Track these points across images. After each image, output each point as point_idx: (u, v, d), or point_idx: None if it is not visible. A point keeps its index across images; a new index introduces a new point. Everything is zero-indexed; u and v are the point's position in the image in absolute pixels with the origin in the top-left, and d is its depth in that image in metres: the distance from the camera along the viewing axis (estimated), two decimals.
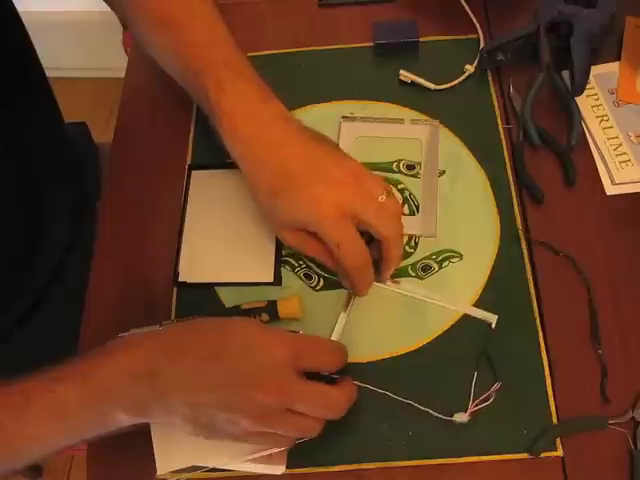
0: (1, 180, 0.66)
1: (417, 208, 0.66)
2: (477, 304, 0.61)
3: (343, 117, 0.71)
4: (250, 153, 0.58)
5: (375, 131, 0.70)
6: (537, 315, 0.60)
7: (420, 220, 0.65)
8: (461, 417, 0.55)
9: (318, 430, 0.51)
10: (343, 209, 0.54)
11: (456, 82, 0.72)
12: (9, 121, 0.66)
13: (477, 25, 0.76)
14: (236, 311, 0.60)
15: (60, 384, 0.48)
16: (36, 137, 0.73)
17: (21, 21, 0.70)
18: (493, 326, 0.59)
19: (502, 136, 0.69)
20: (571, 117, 0.68)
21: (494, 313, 0.60)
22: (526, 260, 0.62)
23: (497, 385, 0.55)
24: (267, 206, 0.58)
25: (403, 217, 0.63)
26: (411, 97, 0.72)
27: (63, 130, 0.83)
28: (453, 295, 0.61)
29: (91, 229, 0.74)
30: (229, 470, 0.55)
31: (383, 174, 0.68)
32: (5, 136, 0.65)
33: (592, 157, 0.67)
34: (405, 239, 0.64)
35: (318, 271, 0.63)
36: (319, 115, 0.72)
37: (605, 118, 0.69)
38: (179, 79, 0.65)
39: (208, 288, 0.63)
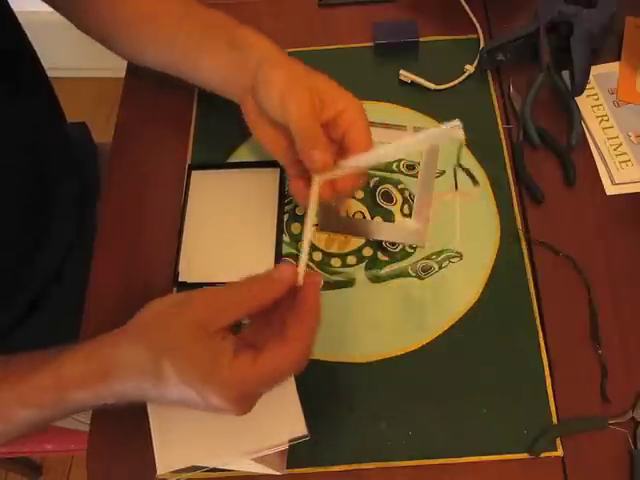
0: (5, 180, 0.66)
1: None
2: (477, 304, 0.61)
3: None
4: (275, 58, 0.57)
5: (377, 136, 0.70)
6: (537, 315, 0.60)
7: (412, 229, 0.65)
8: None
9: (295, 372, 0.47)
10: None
11: (456, 82, 0.72)
12: (12, 121, 0.66)
13: (477, 25, 0.76)
14: None
15: (35, 374, 0.48)
16: (39, 137, 0.73)
17: (18, 22, 0.70)
18: (460, 127, 0.53)
19: (502, 136, 0.69)
20: (571, 117, 0.68)
21: (494, 313, 0.60)
22: (526, 260, 0.62)
23: None
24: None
25: (395, 224, 0.65)
26: (411, 97, 0.72)
27: (66, 130, 0.83)
28: (453, 295, 0.61)
29: (91, 229, 0.74)
30: (229, 470, 0.55)
31: (383, 174, 0.68)
32: (8, 136, 0.66)
33: (592, 157, 0.67)
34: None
35: (318, 271, 0.63)
36: None
37: (605, 118, 0.69)
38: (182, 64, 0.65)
39: None
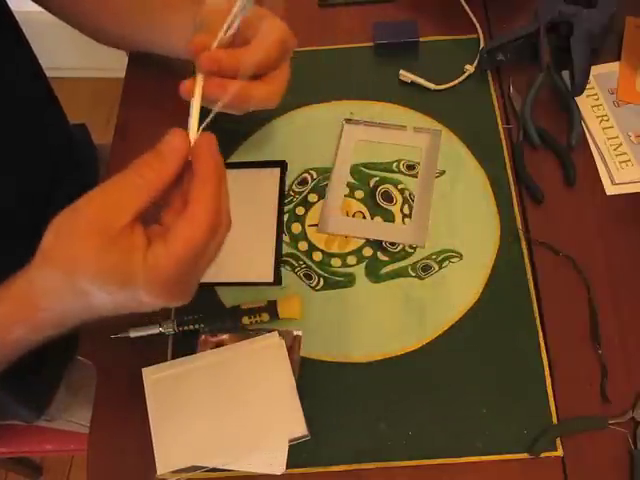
0: (4, 180, 0.66)
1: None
2: (477, 304, 0.61)
3: (346, 119, 0.71)
4: None
5: (377, 136, 0.70)
6: (537, 315, 0.60)
7: (411, 229, 0.65)
8: None
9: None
10: None
11: (456, 82, 0.72)
12: (11, 124, 0.66)
13: (477, 25, 0.76)
14: (236, 311, 0.60)
15: None
16: (40, 139, 0.73)
17: (18, 25, 0.70)
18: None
19: (502, 136, 0.69)
20: (571, 117, 0.68)
21: (494, 313, 0.60)
22: (526, 260, 0.62)
23: None
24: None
25: (395, 224, 0.65)
26: (411, 97, 0.72)
27: (69, 131, 0.82)
28: (453, 295, 0.61)
29: None
30: (229, 470, 0.55)
31: (383, 174, 0.68)
32: (7, 138, 0.65)
33: (592, 157, 0.67)
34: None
35: (318, 271, 0.63)
36: (319, 115, 0.72)
37: (605, 118, 0.69)
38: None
39: (208, 288, 0.63)
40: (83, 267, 0.40)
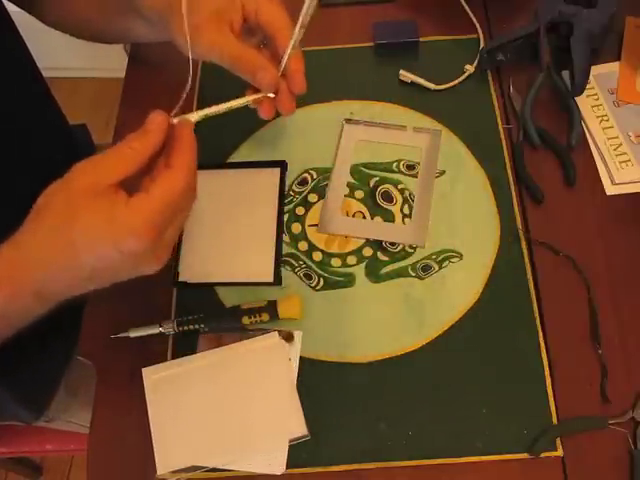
0: (3, 181, 0.66)
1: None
2: (477, 304, 0.61)
3: (346, 119, 0.71)
4: None
5: (377, 136, 0.70)
6: (537, 315, 0.60)
7: (411, 229, 0.65)
8: None
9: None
10: None
11: (456, 82, 0.72)
12: (8, 124, 0.66)
13: (477, 25, 0.76)
14: (236, 311, 0.60)
15: None
16: (38, 139, 0.73)
17: (14, 25, 0.70)
18: None
19: (502, 136, 0.69)
20: (571, 117, 0.68)
21: (494, 313, 0.60)
22: (526, 260, 0.62)
23: None
24: (192, 8, 0.55)
25: (395, 224, 0.65)
26: (411, 97, 0.72)
27: (68, 132, 0.82)
28: (453, 295, 0.61)
29: None
30: (229, 470, 0.55)
31: (383, 174, 0.68)
32: (4, 138, 0.65)
33: (592, 157, 0.67)
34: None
35: (318, 271, 0.63)
36: (319, 115, 0.72)
37: (605, 118, 0.69)
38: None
39: (208, 288, 0.63)
40: (71, 218, 0.44)
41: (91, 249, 0.44)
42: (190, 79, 0.51)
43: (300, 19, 0.52)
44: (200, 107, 0.72)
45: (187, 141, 0.47)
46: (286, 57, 0.54)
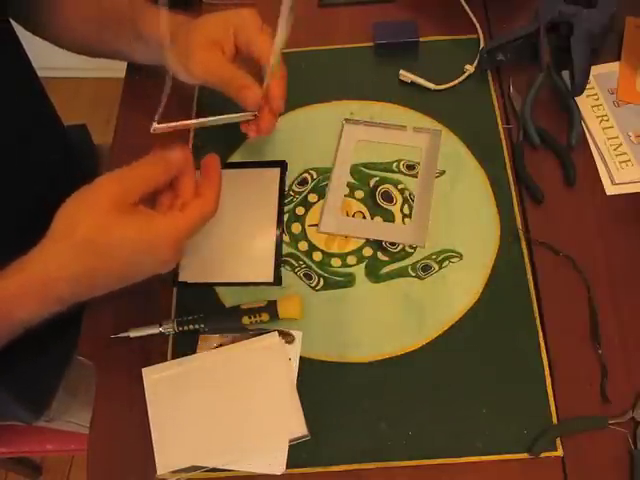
0: (2, 181, 0.66)
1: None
2: (477, 304, 0.61)
3: (346, 119, 0.71)
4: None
5: (377, 136, 0.70)
6: (537, 315, 0.60)
7: (411, 229, 0.65)
8: None
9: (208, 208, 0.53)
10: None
11: (456, 82, 0.72)
12: (6, 126, 0.66)
13: (477, 25, 0.76)
14: (236, 311, 0.60)
15: None
16: (34, 141, 0.73)
17: (10, 25, 0.70)
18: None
19: (502, 136, 0.69)
20: (571, 117, 0.68)
21: (494, 313, 0.60)
22: (526, 260, 0.62)
23: None
24: (184, 31, 0.61)
25: (395, 224, 0.65)
26: (411, 97, 0.72)
27: (62, 134, 0.82)
28: (453, 295, 0.61)
29: None
30: (229, 470, 0.55)
31: (383, 174, 0.68)
32: (2, 141, 0.65)
33: (592, 157, 0.67)
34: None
35: (318, 271, 0.63)
36: (319, 115, 0.72)
37: (605, 118, 0.69)
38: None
39: (208, 288, 0.63)
40: (104, 231, 0.48)
41: (126, 259, 0.49)
42: (169, 85, 0.57)
43: (275, 44, 0.55)
44: (199, 111, 0.73)
45: (216, 175, 0.54)
46: (267, 78, 0.57)
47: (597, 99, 0.71)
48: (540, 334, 0.59)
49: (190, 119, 0.59)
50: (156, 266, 0.51)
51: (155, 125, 0.56)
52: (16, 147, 0.68)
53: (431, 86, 0.72)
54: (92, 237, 0.48)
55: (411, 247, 0.64)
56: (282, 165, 0.68)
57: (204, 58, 0.60)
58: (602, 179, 0.66)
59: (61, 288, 0.49)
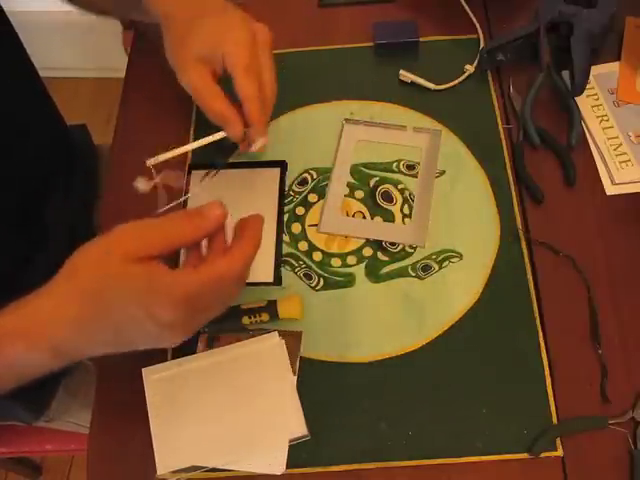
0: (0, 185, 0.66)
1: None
2: (477, 304, 0.61)
3: (346, 119, 0.71)
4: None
5: (377, 136, 0.70)
6: (537, 315, 0.60)
7: (411, 229, 0.65)
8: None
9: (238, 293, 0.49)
10: (255, 39, 0.59)
11: (456, 82, 0.72)
12: (4, 123, 0.66)
13: (477, 25, 0.76)
14: (236, 311, 0.60)
15: None
16: (35, 140, 0.73)
17: (12, 27, 0.70)
18: None
19: (502, 136, 0.69)
20: (571, 117, 0.68)
21: (494, 313, 0.60)
22: (526, 260, 0.62)
23: None
24: (182, 33, 0.60)
25: (395, 224, 0.65)
26: (411, 97, 0.72)
27: (64, 134, 0.82)
28: (453, 295, 0.61)
29: (91, 231, 0.74)
30: (229, 470, 0.55)
31: (383, 174, 0.68)
32: (3, 141, 0.65)
33: (592, 157, 0.67)
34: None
35: (318, 271, 0.63)
36: (319, 115, 0.72)
37: (605, 118, 0.69)
38: None
39: None
40: (108, 280, 0.44)
41: (124, 312, 0.44)
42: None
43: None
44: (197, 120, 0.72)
45: (255, 237, 0.48)
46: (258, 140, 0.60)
47: (597, 99, 0.71)
48: (540, 334, 0.59)
49: (183, 145, 0.60)
50: (154, 328, 0.45)
51: (150, 160, 0.57)
52: (17, 145, 0.68)
53: (431, 86, 0.72)
54: (94, 283, 0.44)
55: (411, 247, 0.64)
56: (282, 165, 0.68)
57: (194, 81, 0.59)
58: (602, 179, 0.66)
59: (53, 332, 0.46)
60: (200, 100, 0.60)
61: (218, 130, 0.60)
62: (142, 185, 0.56)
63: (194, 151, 0.70)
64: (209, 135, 0.60)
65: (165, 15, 0.61)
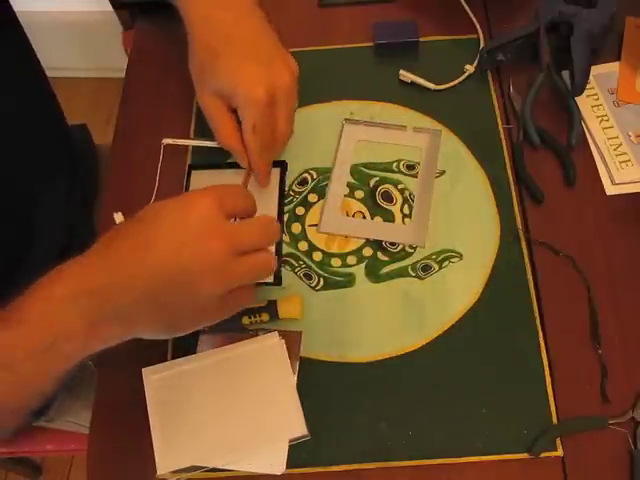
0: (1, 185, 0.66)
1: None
2: (477, 304, 0.61)
3: (346, 119, 0.71)
4: (203, 7, 0.61)
5: (377, 136, 0.70)
6: (537, 315, 0.60)
7: (411, 229, 0.65)
8: None
9: (272, 262, 0.50)
10: (273, 97, 0.59)
11: (456, 82, 0.72)
12: (8, 122, 0.66)
13: (477, 25, 0.76)
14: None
15: None
16: (37, 137, 0.73)
17: (21, 26, 0.70)
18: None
19: (502, 136, 0.69)
20: (571, 117, 0.68)
21: (494, 313, 0.60)
22: (526, 260, 0.62)
23: None
24: (202, 62, 0.60)
25: (395, 224, 0.65)
26: (411, 97, 0.72)
27: (66, 133, 0.82)
28: (453, 295, 0.61)
29: (89, 230, 0.74)
30: (229, 470, 0.55)
31: (383, 174, 0.68)
32: (3, 136, 0.65)
33: (592, 157, 0.67)
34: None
35: (318, 271, 0.63)
36: (319, 115, 0.72)
37: (605, 118, 0.69)
38: None
39: None
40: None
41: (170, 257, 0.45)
42: None
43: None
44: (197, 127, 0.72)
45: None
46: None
47: (597, 99, 0.71)
48: (540, 334, 0.59)
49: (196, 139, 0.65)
50: (196, 294, 0.46)
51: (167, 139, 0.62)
52: (19, 144, 0.68)
53: (431, 86, 0.72)
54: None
55: (411, 247, 0.64)
56: (282, 165, 0.68)
57: (209, 105, 0.61)
58: (602, 179, 0.66)
59: (84, 302, 0.45)
60: (213, 129, 0.62)
61: None
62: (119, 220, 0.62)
63: (194, 151, 0.71)
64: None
65: (192, 26, 0.62)
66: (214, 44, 0.60)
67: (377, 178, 0.68)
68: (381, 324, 0.61)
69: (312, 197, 0.67)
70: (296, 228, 0.66)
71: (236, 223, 0.49)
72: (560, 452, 0.54)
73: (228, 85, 0.59)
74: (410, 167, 0.68)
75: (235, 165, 0.69)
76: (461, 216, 0.65)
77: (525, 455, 0.55)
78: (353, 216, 0.66)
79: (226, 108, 0.61)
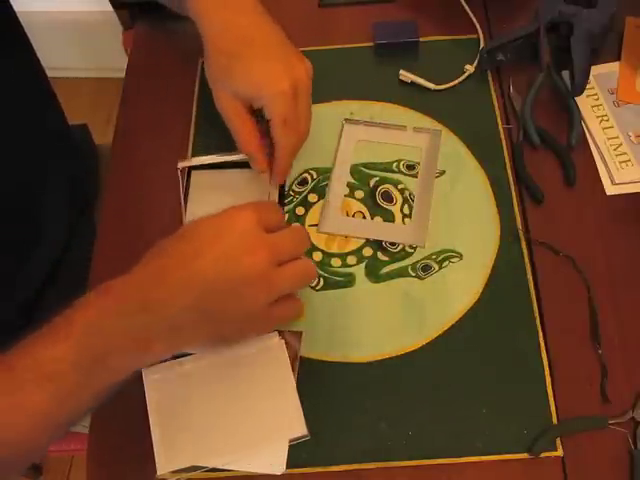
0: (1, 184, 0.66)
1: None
2: (477, 304, 0.61)
3: (346, 119, 0.71)
4: (216, 12, 0.61)
5: (377, 136, 0.70)
6: (537, 315, 0.60)
7: (411, 229, 0.65)
8: None
9: (311, 268, 0.53)
10: (296, 91, 0.59)
11: (456, 82, 0.72)
12: (9, 122, 0.66)
13: (477, 25, 0.76)
14: None
15: (42, 346, 0.46)
16: (38, 137, 0.73)
17: (21, 26, 0.70)
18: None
19: (502, 136, 0.69)
20: (571, 117, 0.68)
21: (494, 313, 0.60)
22: (526, 260, 0.62)
23: None
24: (221, 66, 0.60)
25: (395, 224, 0.65)
26: (411, 97, 0.72)
27: (66, 133, 0.82)
28: (453, 295, 0.61)
29: (89, 230, 0.74)
30: (229, 470, 0.55)
31: (383, 174, 0.68)
32: (4, 136, 0.66)
33: (592, 157, 0.67)
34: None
35: (318, 271, 0.63)
36: (319, 115, 0.71)
37: (605, 118, 0.69)
38: None
39: None
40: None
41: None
42: None
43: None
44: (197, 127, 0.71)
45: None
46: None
47: (597, 99, 0.71)
48: (540, 334, 0.59)
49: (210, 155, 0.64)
50: (242, 302, 0.49)
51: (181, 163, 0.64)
52: (20, 144, 0.68)
53: (431, 86, 0.72)
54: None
55: (411, 247, 0.64)
56: None
57: (229, 109, 0.61)
58: (602, 179, 0.66)
59: (131, 295, 0.47)
60: (232, 132, 0.62)
61: (219, 131, 0.61)
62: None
63: (194, 151, 0.71)
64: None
65: (207, 31, 0.62)
66: (231, 47, 0.60)
67: (377, 178, 0.68)
68: (381, 324, 0.61)
69: (312, 197, 0.67)
70: None
71: (273, 234, 0.51)
72: (560, 452, 0.54)
73: (250, 86, 0.59)
74: (410, 167, 0.68)
75: (235, 165, 0.69)
76: (461, 216, 0.65)
77: (525, 455, 0.55)
78: (353, 216, 0.66)
79: (245, 110, 0.61)
